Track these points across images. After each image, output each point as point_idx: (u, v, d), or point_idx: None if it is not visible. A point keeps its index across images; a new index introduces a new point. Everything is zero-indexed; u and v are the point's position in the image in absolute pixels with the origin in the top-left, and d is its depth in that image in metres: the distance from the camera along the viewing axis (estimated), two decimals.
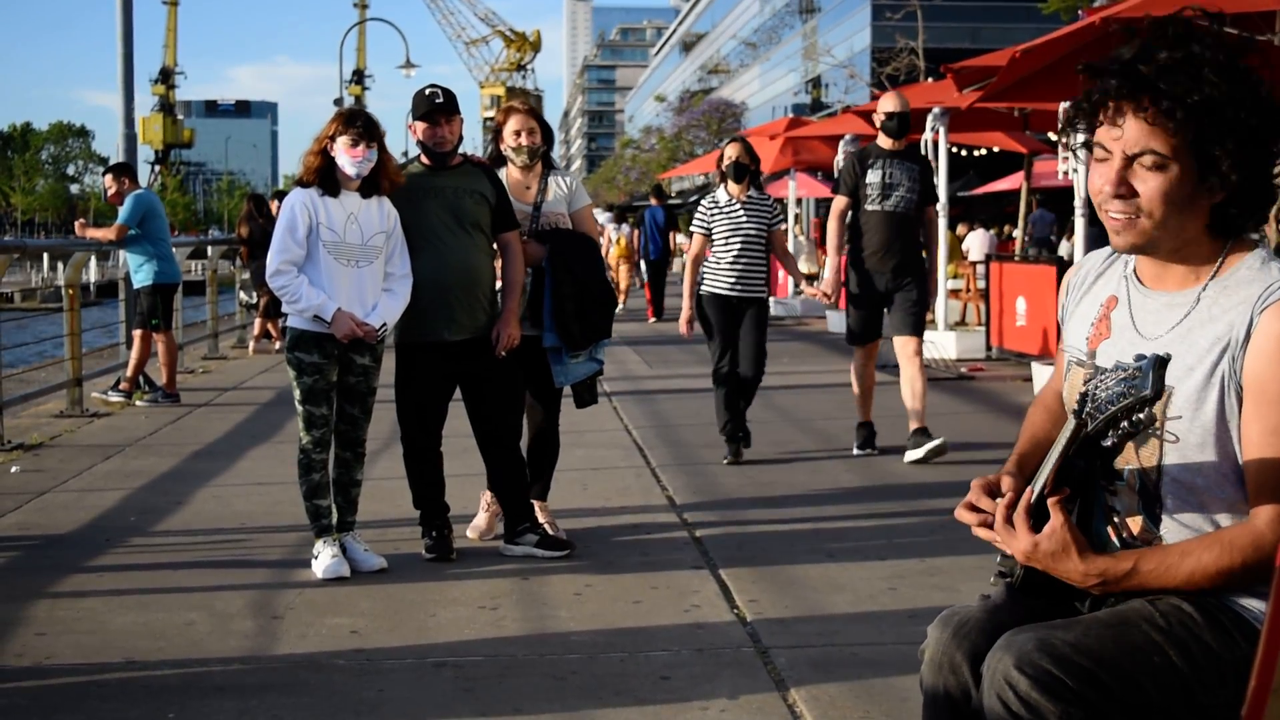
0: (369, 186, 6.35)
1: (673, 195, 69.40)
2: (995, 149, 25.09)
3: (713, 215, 9.41)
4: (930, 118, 16.26)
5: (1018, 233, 22.49)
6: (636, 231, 25.41)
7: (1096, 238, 21.62)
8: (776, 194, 34.77)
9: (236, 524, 7.51)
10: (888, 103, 9.53)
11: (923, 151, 16.08)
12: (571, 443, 7.23)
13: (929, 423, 9.31)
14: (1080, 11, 18.24)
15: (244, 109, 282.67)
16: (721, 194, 9.46)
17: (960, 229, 25.78)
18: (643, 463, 9.26)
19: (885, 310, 9.54)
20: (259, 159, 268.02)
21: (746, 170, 9.38)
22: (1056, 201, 33.46)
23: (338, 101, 42.86)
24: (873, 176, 9.31)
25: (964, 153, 26.86)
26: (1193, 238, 2.64)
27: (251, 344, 18.41)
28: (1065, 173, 12.41)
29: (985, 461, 9.03)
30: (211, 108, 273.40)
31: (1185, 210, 2.59)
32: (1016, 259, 16.92)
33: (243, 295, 19.98)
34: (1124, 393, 2.36)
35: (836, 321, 20.62)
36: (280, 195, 19.96)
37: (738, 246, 9.26)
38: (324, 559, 6.32)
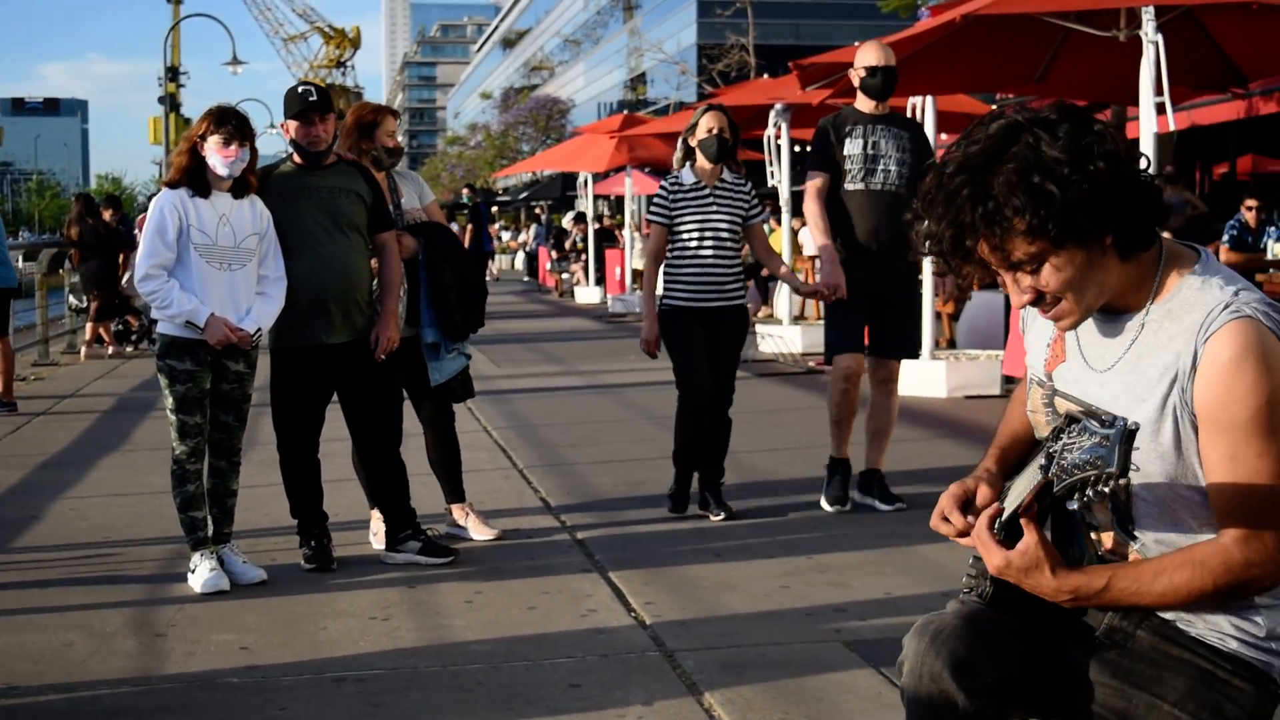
0: (240, 187, 6.15)
1: (500, 193, 69.22)
2: None
3: (676, 202, 7.36)
4: (773, 114, 16.35)
5: None
6: (470, 228, 25.18)
7: None
8: (611, 191, 34.95)
9: (99, 537, 7.22)
10: (868, 54, 7.54)
11: (767, 148, 16.29)
12: (421, 445, 7.06)
13: (795, 423, 9.30)
14: (925, 9, 18.49)
15: (53, 107, 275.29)
16: (687, 174, 7.38)
17: (795, 223, 25.95)
18: (509, 464, 9.14)
19: (870, 319, 7.60)
20: (69, 158, 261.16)
21: (727, 148, 7.33)
22: None
23: (162, 99, 41.81)
24: (851, 147, 7.38)
25: (798, 149, 27.07)
26: (1118, 278, 2.61)
27: (83, 349, 17.86)
28: None
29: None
30: (19, 105, 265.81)
31: (1094, 269, 2.56)
32: None
33: (72, 299, 19.36)
34: (1090, 462, 2.30)
35: None
36: (112, 201, 19.43)
37: (709, 245, 7.33)
38: (202, 572, 6.10)
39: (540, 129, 67.05)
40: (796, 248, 22.20)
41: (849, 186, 7.37)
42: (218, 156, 6.01)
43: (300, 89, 6.39)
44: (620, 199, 40.86)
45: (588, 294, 28.83)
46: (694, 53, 58.82)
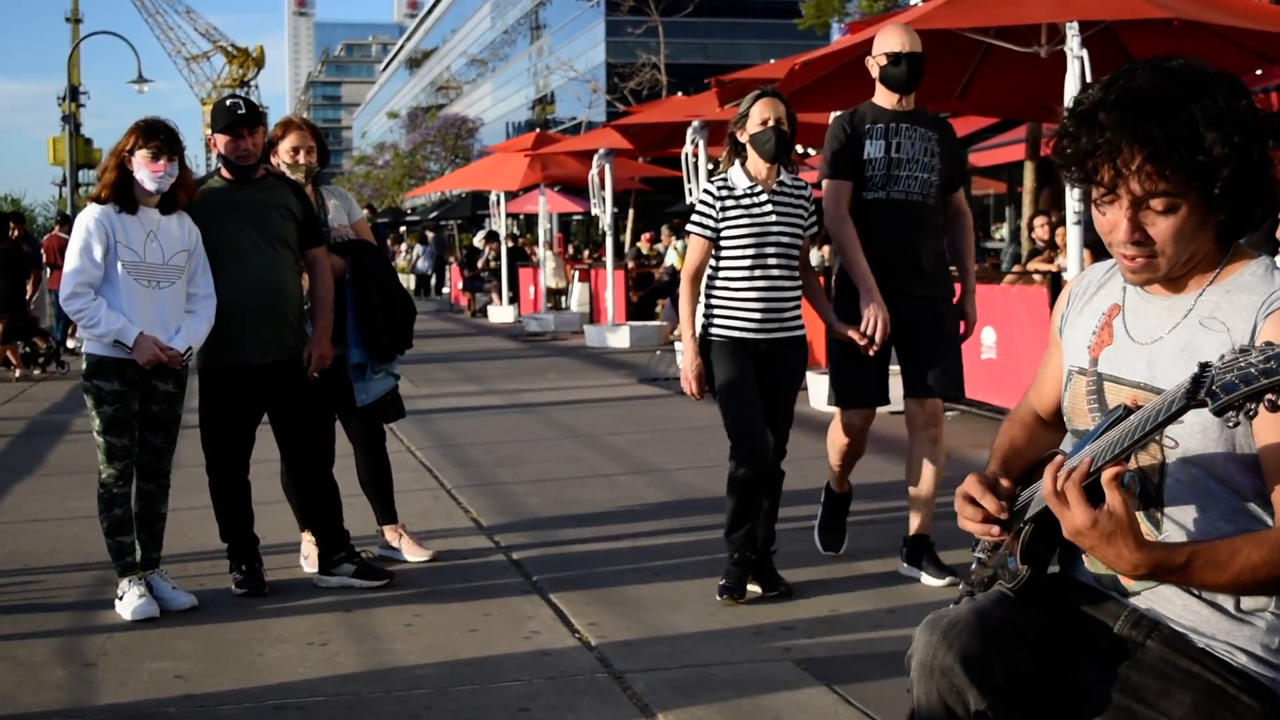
0: (168, 202, 5.98)
1: (409, 213, 68.82)
2: None
3: (726, 210, 5.99)
4: (690, 131, 16.34)
5: None
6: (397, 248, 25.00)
7: None
8: (523, 210, 34.82)
9: (18, 564, 6.99)
10: (889, 39, 6.33)
11: (685, 165, 16.26)
12: (351, 466, 6.92)
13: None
14: (843, 26, 18.59)
15: None
16: (738, 176, 6.02)
17: None
18: (437, 484, 8.99)
19: (892, 353, 6.42)
20: None
21: (787, 143, 5.99)
22: None
23: (65, 119, 41.06)
24: (871, 149, 6.25)
25: (715, 166, 27.14)
26: (1202, 254, 2.60)
27: None
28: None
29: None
30: None
31: (1197, 236, 2.55)
32: None
33: None
34: (1269, 370, 2.15)
35: (595, 336, 20.62)
36: (15, 219, 19.04)
37: (770, 261, 5.98)
38: (131, 599, 5.92)
39: (449, 148, 66.73)
40: None
41: (868, 196, 6.23)
42: (146, 171, 5.85)
43: (229, 102, 6.24)
44: (530, 217, 40.77)
45: (501, 313, 28.69)
46: (603, 71, 58.92)
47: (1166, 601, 2.63)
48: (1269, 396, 2.14)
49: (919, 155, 6.27)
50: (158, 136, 5.88)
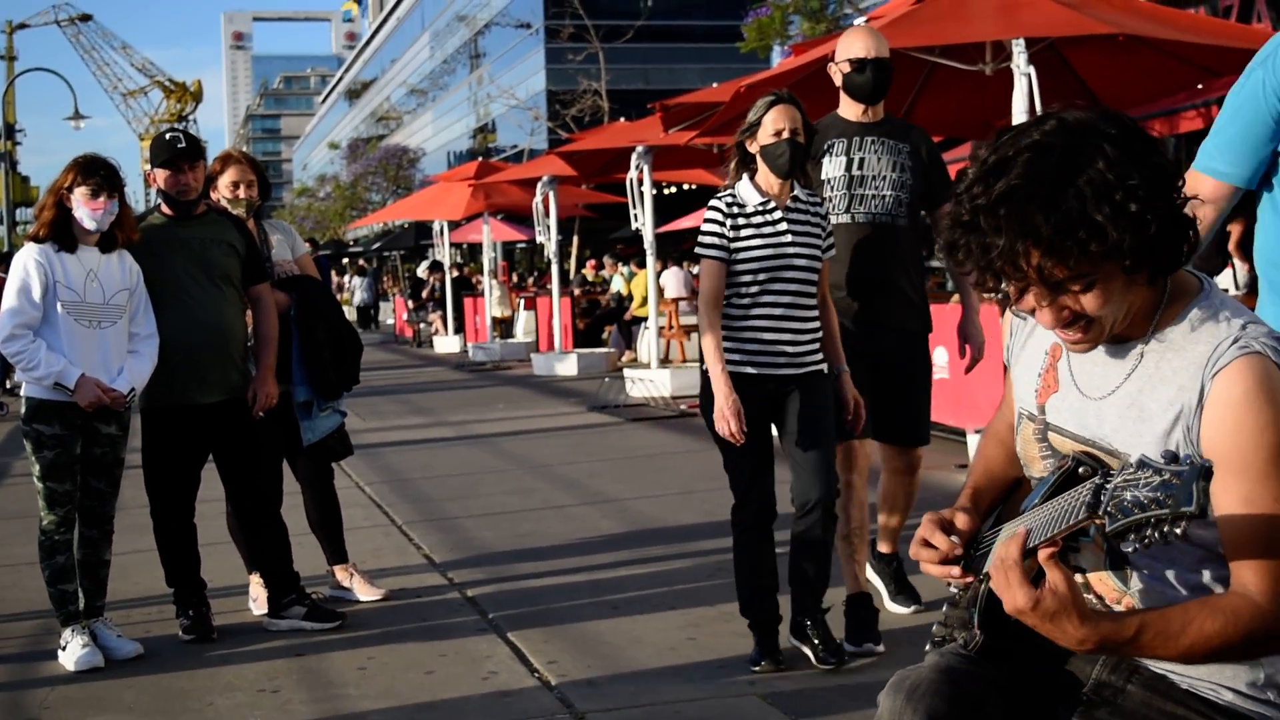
0: (108, 241, 5.83)
1: (351, 244, 68.53)
2: (687, 185, 25.44)
3: (739, 229, 5.33)
4: (635, 156, 16.26)
5: None
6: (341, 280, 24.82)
7: None
8: (466, 239, 34.67)
9: None
10: (853, 43, 5.85)
11: (630, 191, 16.17)
12: (299, 504, 6.76)
13: (675, 467, 9.11)
14: (786, 48, 18.58)
15: None
16: (747, 191, 5.38)
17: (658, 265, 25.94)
18: (387, 521, 8.84)
19: (871, 395, 5.74)
20: None
21: (803, 156, 5.36)
22: None
23: (1, 156, 40.64)
24: (830, 168, 5.76)
25: (665, 191, 27.14)
26: (1143, 297, 2.46)
27: None
28: None
29: None
30: None
31: (1128, 295, 2.42)
32: None
33: None
34: (1159, 500, 2.07)
35: (542, 364, 20.49)
36: None
37: (785, 287, 5.32)
38: (74, 649, 5.74)
39: (390, 179, 66.50)
40: (658, 291, 22.20)
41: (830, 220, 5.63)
42: (85, 209, 5.69)
43: (168, 135, 6.09)
44: (474, 246, 40.60)
45: (447, 343, 28.50)
46: (544, 98, 58.85)
47: None
48: (1159, 529, 2.06)
49: (886, 171, 5.77)
50: (97, 173, 5.73)
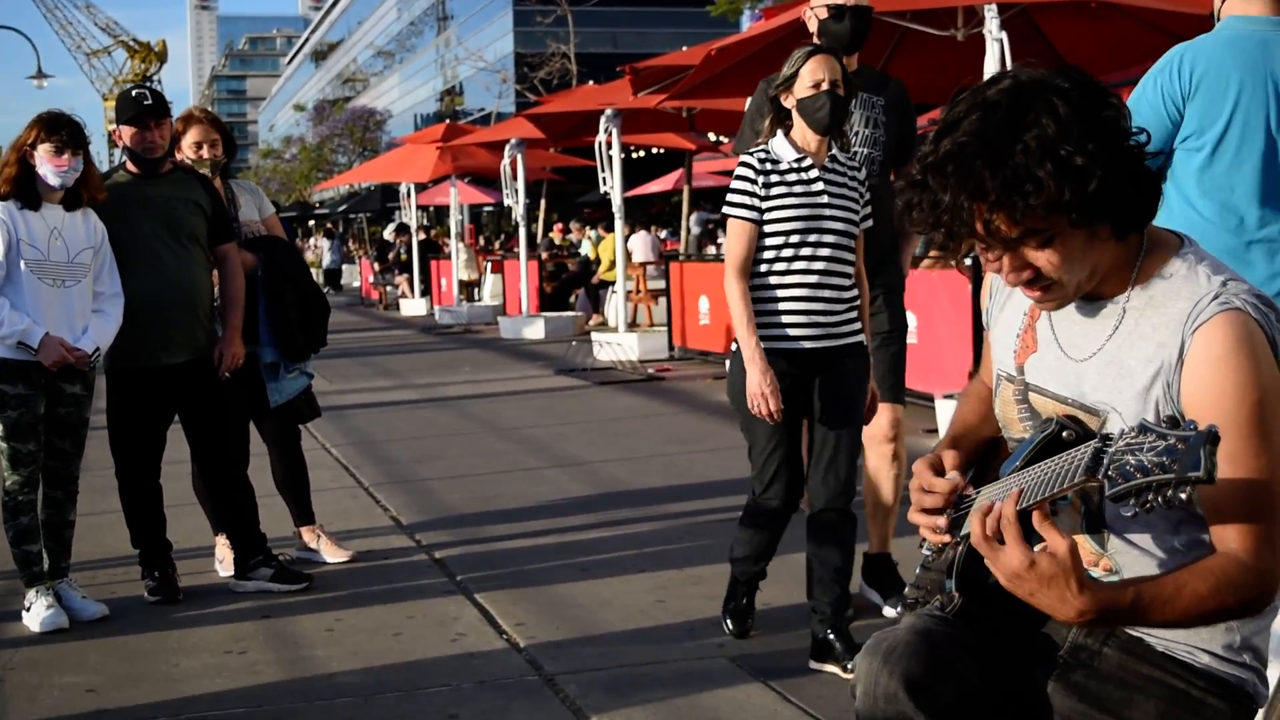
0: (72, 199, 5.75)
1: (317, 206, 68.15)
2: (655, 149, 25.38)
3: (770, 187, 4.88)
4: (603, 119, 16.20)
5: (681, 231, 22.74)
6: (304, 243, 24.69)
7: None
8: (434, 201, 34.52)
9: None
10: None
11: (599, 154, 16.10)
12: (265, 465, 6.71)
13: (642, 431, 9.09)
14: (757, 10, 18.49)
15: None
16: (782, 147, 4.92)
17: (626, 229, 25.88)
18: (354, 482, 8.80)
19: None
20: None
21: (843, 111, 4.93)
22: (713, 200, 34.13)
23: None
24: None
25: (633, 155, 27.05)
26: (1109, 261, 2.45)
27: None
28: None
29: (710, 460, 8.93)
30: None
31: (1090, 251, 2.39)
32: (688, 257, 17.03)
33: None
34: (1163, 464, 2.03)
35: (509, 327, 20.43)
36: None
37: (822, 251, 4.89)
38: (38, 610, 5.69)
39: (357, 141, 66.13)
40: (626, 255, 22.16)
41: None
42: (49, 166, 5.61)
43: (134, 92, 6.01)
44: (441, 209, 40.40)
45: (414, 306, 28.40)
46: (512, 61, 58.56)
47: None
48: (1163, 493, 2.03)
49: (859, 127, 5.53)
50: (60, 130, 5.65)
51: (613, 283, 21.07)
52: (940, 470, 2.62)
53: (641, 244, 23.76)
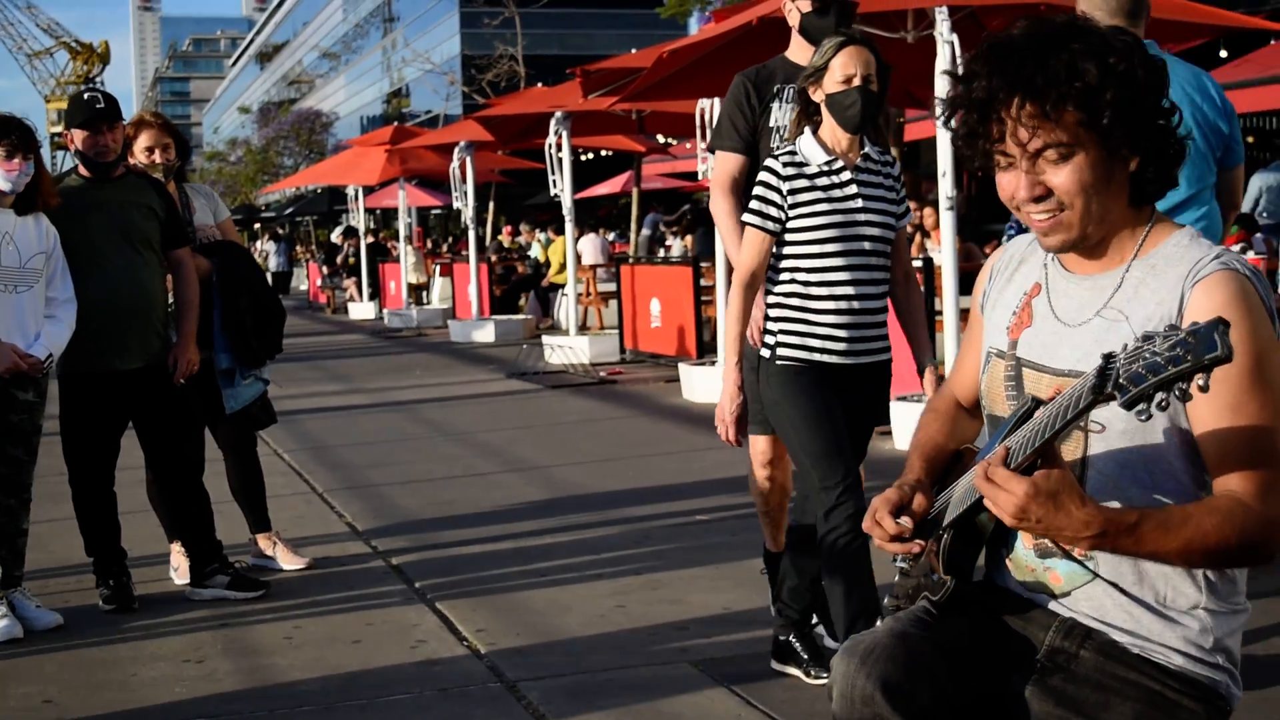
0: (24, 203, 5.69)
1: (263, 209, 67.77)
2: (604, 152, 25.37)
3: (796, 193, 4.57)
4: (553, 121, 16.16)
5: (631, 234, 22.74)
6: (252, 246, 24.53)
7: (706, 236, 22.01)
8: (381, 204, 34.39)
9: None
10: None
11: (549, 157, 16.07)
12: (220, 472, 6.66)
13: (596, 434, 9.07)
14: (706, 13, 18.52)
15: None
16: (810, 147, 4.62)
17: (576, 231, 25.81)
18: (307, 488, 8.74)
19: None
20: None
21: (876, 106, 4.59)
22: (663, 202, 34.13)
23: None
24: (780, 115, 5.03)
25: (583, 157, 26.99)
26: (1117, 218, 2.50)
27: None
28: (703, 174, 12.43)
29: (665, 464, 8.92)
30: None
31: (1105, 190, 2.44)
32: (639, 260, 17.03)
33: None
34: (1177, 357, 2.03)
35: (459, 331, 20.37)
36: None
37: (856, 260, 4.58)
38: None
39: (303, 143, 65.80)
40: (576, 257, 22.14)
41: None
42: None
43: (86, 95, 5.95)
44: (388, 212, 40.22)
45: (362, 309, 28.26)
46: (459, 63, 58.39)
47: (1099, 600, 2.53)
48: (1179, 385, 2.03)
49: None
50: (11, 134, 5.58)
51: (562, 285, 21.05)
52: (903, 508, 2.61)
53: (591, 247, 23.71)
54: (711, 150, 5.16)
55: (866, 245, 4.59)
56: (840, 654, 2.53)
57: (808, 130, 4.63)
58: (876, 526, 2.58)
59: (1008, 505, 2.26)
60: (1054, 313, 2.59)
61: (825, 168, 4.59)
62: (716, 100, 12.20)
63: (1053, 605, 2.59)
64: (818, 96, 4.58)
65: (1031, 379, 2.59)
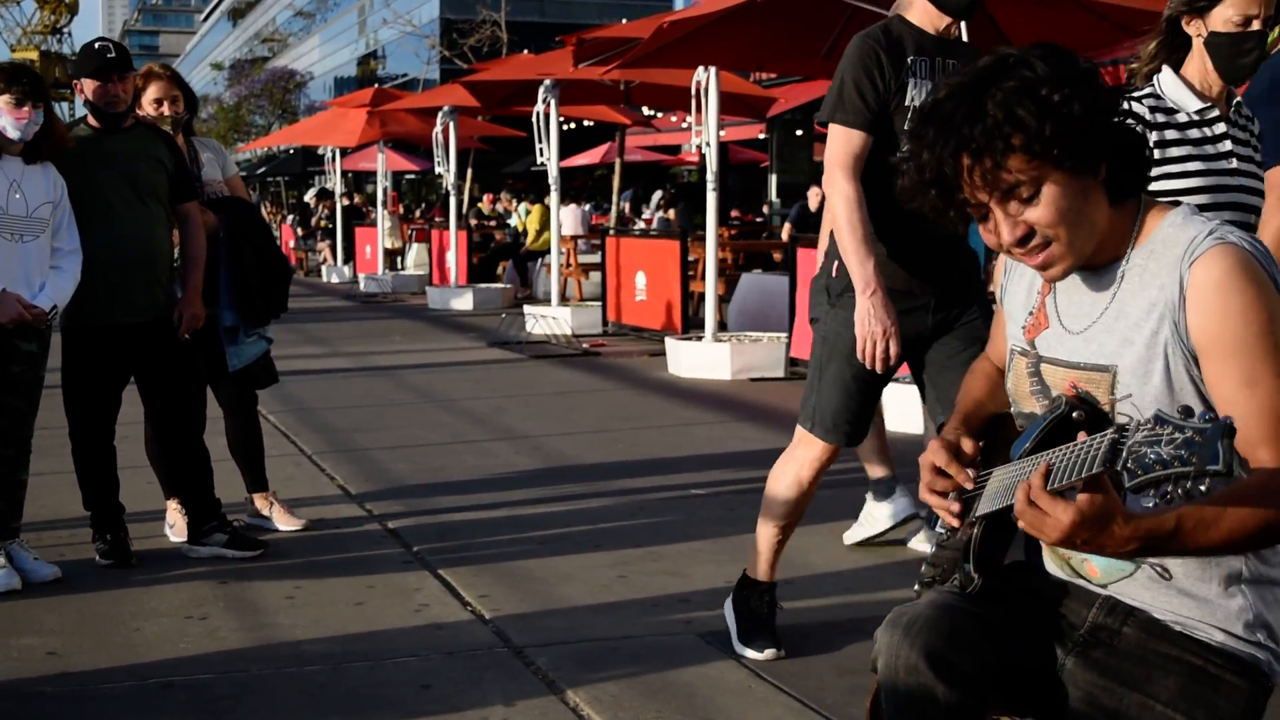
0: (32, 152, 5.69)
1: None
2: (585, 122, 25.34)
3: (1166, 145, 3.90)
4: (542, 89, 16.15)
5: (612, 207, 22.75)
6: None
7: (689, 211, 21.98)
8: (357, 166, 34.26)
9: None
10: None
11: (536, 125, 16.06)
12: (219, 430, 6.66)
13: (585, 405, 9.11)
14: None
15: None
16: (1178, 90, 3.96)
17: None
18: (296, 450, 8.76)
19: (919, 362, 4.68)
20: None
21: (1260, 46, 3.94)
22: (643, 176, 34.13)
23: None
24: (915, 93, 4.38)
25: (568, 126, 26.93)
26: (1104, 223, 2.52)
27: None
28: (698, 146, 12.45)
29: (656, 437, 8.97)
30: None
31: (1084, 208, 2.47)
32: (621, 231, 17.04)
33: None
34: (1181, 457, 2.06)
35: (438, 298, 20.37)
36: None
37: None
38: None
39: (276, 103, 65.42)
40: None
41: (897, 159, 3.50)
42: (8, 118, 5.54)
43: (98, 44, 5.94)
44: (359, 175, 40.10)
45: (337, 273, 28.20)
46: (437, 26, 58.12)
47: (1136, 594, 2.60)
48: (1185, 484, 2.07)
49: None
50: (21, 81, 5.57)
51: (541, 254, 21.05)
52: (956, 454, 2.68)
53: (571, 217, 23.70)
54: (824, 123, 4.53)
55: (1237, 215, 3.92)
56: (885, 625, 2.58)
57: (1168, 72, 3.98)
58: (939, 478, 2.64)
59: (1054, 531, 2.28)
60: (1060, 314, 2.65)
61: (1198, 116, 3.94)
62: (712, 74, 12.25)
63: (1091, 586, 2.65)
64: (1194, 30, 3.94)
65: (1050, 373, 2.66)
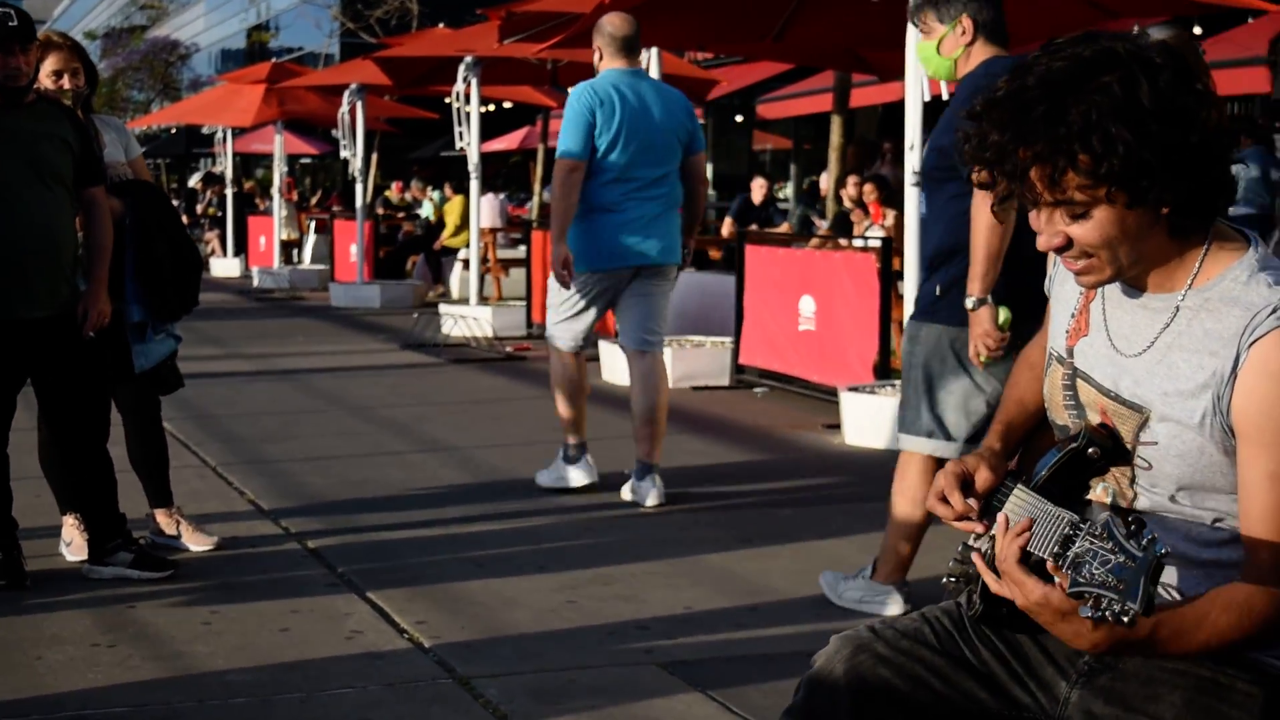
0: None
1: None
2: (504, 103, 25.32)
3: None
4: (462, 68, 16.11)
5: (534, 197, 22.76)
6: None
7: None
8: (249, 148, 34.01)
9: None
10: None
11: (455, 108, 16.03)
12: (118, 440, 6.62)
13: (513, 414, 9.10)
14: None
15: None
16: None
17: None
18: (199, 461, 8.71)
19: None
20: None
21: None
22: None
23: None
24: None
25: (490, 109, 26.90)
26: (1156, 251, 2.56)
27: None
28: None
29: (595, 450, 8.99)
30: None
31: (1138, 236, 2.51)
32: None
33: None
34: (1109, 583, 2.24)
35: (341, 295, 20.27)
36: None
37: None
38: None
39: (157, 77, 64.72)
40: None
41: None
42: None
43: None
44: (248, 158, 39.68)
45: (226, 266, 27.92)
46: None
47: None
48: (1111, 609, 2.23)
49: None
50: None
51: (455, 250, 20.99)
52: (966, 481, 2.76)
53: (489, 208, 23.54)
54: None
55: None
56: (840, 636, 2.80)
57: None
58: (942, 505, 2.74)
59: (1018, 599, 2.45)
60: (1107, 330, 2.70)
61: None
62: (653, 55, 12.28)
63: None
64: None
65: (1084, 391, 2.73)
